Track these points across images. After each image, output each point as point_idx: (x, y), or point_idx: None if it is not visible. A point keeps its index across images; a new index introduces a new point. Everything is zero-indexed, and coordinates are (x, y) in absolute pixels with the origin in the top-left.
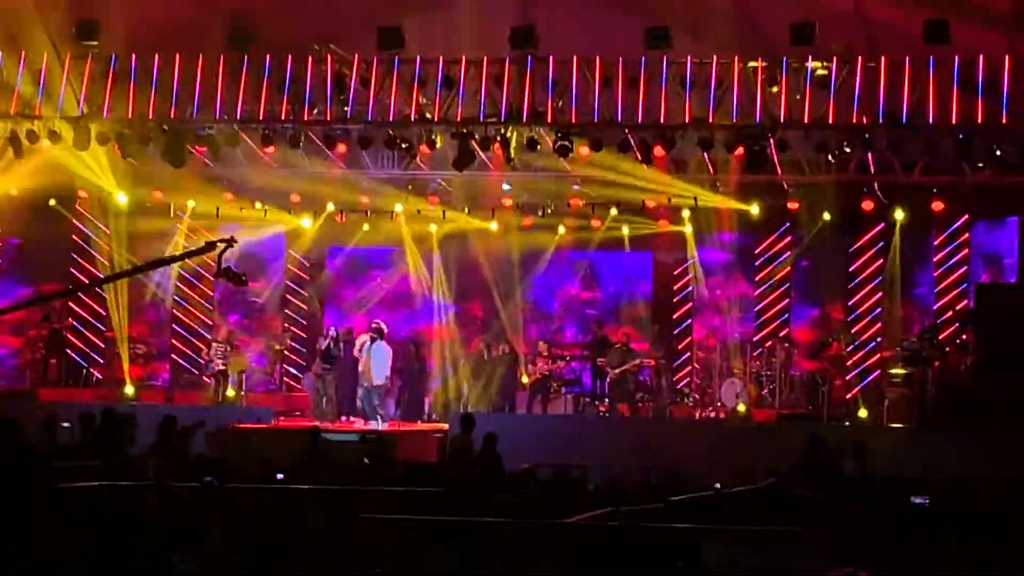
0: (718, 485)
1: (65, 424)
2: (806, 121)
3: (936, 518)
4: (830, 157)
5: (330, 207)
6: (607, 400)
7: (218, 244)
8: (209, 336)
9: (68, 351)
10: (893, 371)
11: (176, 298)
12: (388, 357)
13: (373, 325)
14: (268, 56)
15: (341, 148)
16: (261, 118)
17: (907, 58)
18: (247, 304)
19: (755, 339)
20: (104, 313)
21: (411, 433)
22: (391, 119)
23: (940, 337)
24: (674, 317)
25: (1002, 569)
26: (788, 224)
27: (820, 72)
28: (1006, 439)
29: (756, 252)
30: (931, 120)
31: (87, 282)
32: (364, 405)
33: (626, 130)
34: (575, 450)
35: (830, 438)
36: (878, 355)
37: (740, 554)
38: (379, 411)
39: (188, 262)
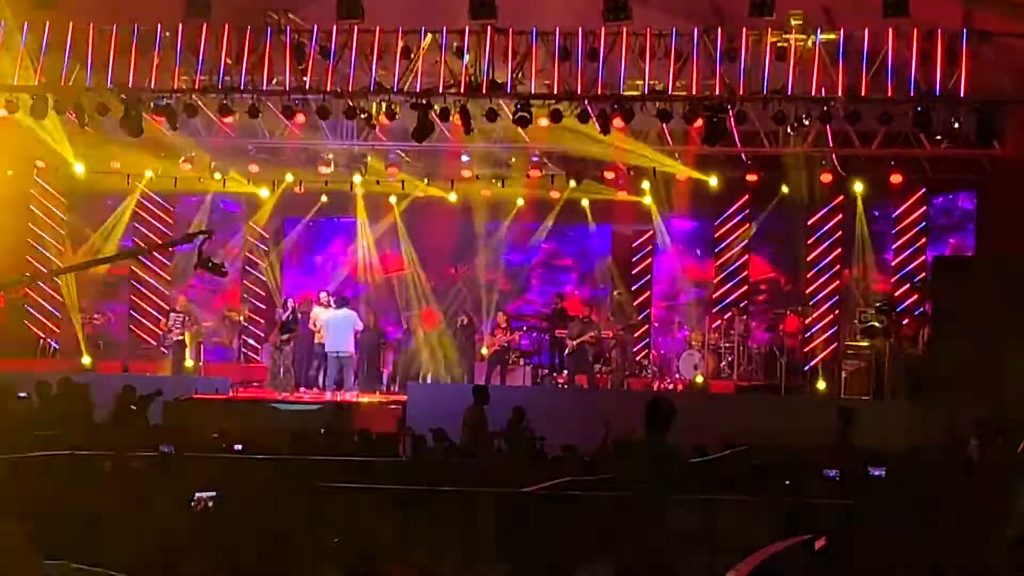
0: None
1: (22, 394)
2: (765, 93)
3: (893, 488)
4: (788, 129)
5: (288, 178)
6: (566, 372)
7: (197, 236)
8: (167, 306)
9: (25, 321)
10: (851, 343)
11: (134, 268)
12: (354, 324)
13: (336, 294)
14: (226, 25)
15: (300, 118)
16: (219, 88)
17: (866, 30)
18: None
19: (713, 311)
20: (59, 283)
21: (369, 404)
22: (350, 89)
23: (898, 309)
24: (632, 289)
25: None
26: (747, 196)
27: (780, 44)
28: (961, 411)
29: (715, 224)
30: (889, 92)
31: (63, 267)
32: (338, 375)
33: (585, 101)
34: (534, 421)
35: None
36: (836, 327)
37: (696, 523)
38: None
39: (144, 230)
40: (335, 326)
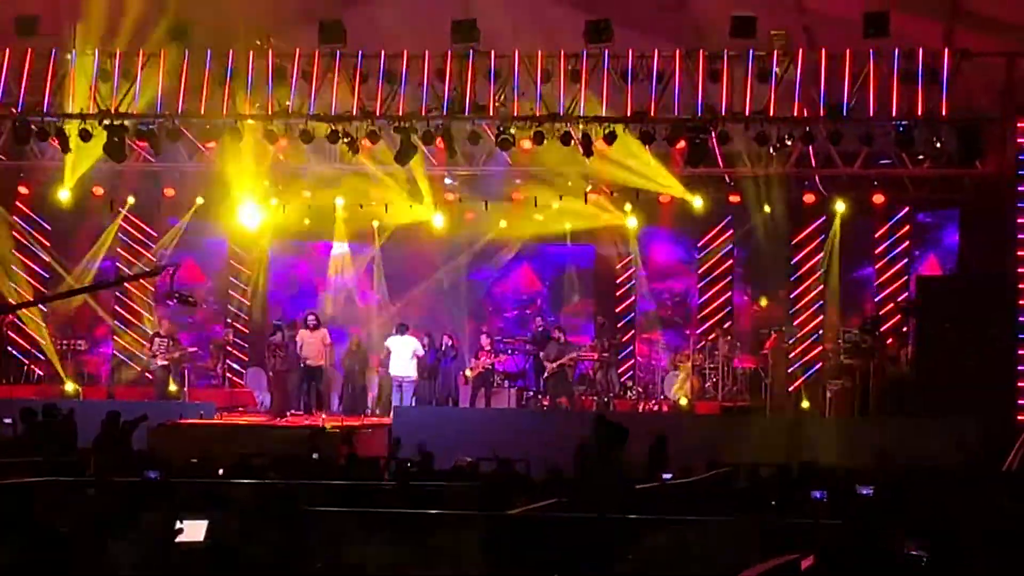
0: (667, 476)
1: (7, 420)
2: (747, 113)
3: (881, 507)
4: (771, 150)
5: (273, 202)
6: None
7: (165, 268)
8: (150, 331)
9: (8, 348)
10: (835, 363)
11: (117, 294)
12: (415, 350)
13: (398, 322)
14: (209, 50)
15: (282, 142)
16: (202, 113)
17: (847, 50)
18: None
19: (698, 332)
20: (44, 310)
21: (356, 428)
22: (333, 113)
23: (881, 328)
24: (617, 310)
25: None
26: (730, 217)
27: (762, 66)
28: (945, 429)
29: (698, 245)
30: (871, 112)
31: (32, 300)
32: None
33: (568, 124)
34: (519, 444)
35: None
36: (820, 347)
37: (682, 544)
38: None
39: (127, 255)
40: (398, 352)
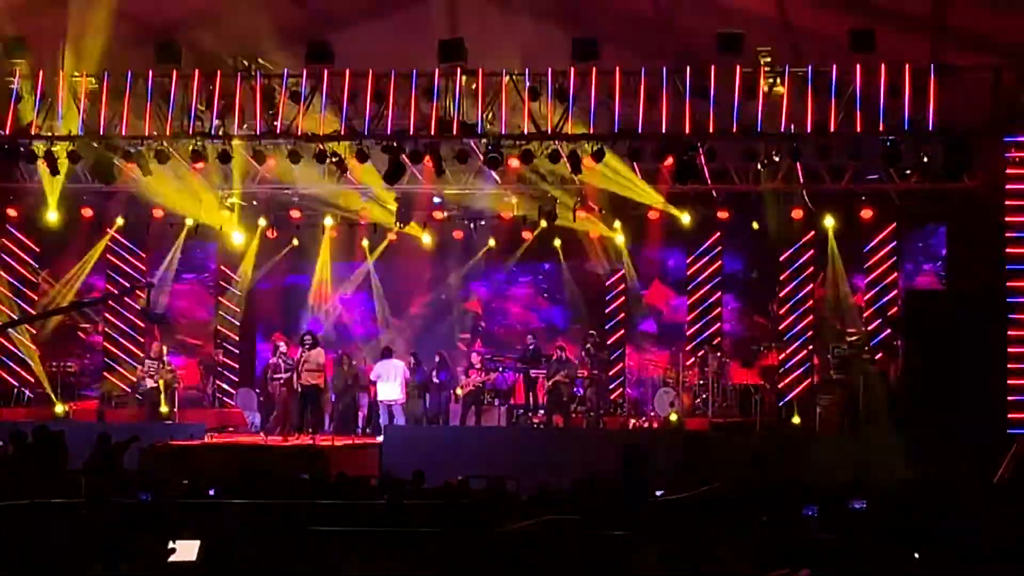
0: (659, 493)
1: None
2: (734, 130)
3: (874, 521)
4: (759, 166)
5: (261, 222)
6: (542, 411)
7: (139, 287)
8: (141, 353)
9: None
10: (825, 378)
11: (107, 315)
12: (403, 372)
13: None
14: (197, 71)
15: (271, 163)
16: (190, 134)
17: (834, 66)
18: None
19: (688, 348)
20: (33, 331)
21: (346, 447)
22: (321, 133)
23: (871, 344)
24: (606, 327)
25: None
26: (718, 233)
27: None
28: (935, 442)
29: (687, 262)
30: (858, 127)
31: (16, 319)
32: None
33: (556, 141)
34: (509, 461)
35: None
36: (810, 363)
37: (674, 560)
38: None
39: (116, 276)
40: (387, 375)
